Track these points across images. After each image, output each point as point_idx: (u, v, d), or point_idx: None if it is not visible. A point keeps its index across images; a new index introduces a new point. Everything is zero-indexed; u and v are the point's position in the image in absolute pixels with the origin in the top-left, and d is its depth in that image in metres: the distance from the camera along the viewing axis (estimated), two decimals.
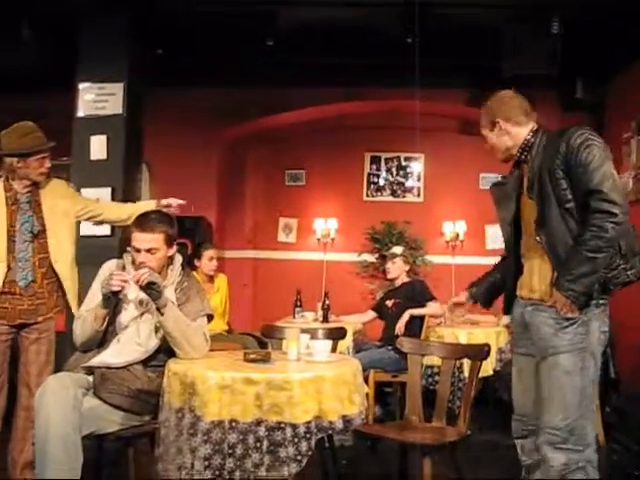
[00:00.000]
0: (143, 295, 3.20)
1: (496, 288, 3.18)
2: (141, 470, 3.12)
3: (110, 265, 3.43)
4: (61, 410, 2.86)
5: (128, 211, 4.01)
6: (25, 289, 3.81)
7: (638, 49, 5.90)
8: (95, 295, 3.30)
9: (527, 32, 5.78)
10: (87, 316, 3.24)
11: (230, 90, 7.32)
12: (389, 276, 5.95)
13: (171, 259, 3.37)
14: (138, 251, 3.23)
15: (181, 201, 3.99)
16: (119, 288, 3.10)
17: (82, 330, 3.25)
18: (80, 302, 3.81)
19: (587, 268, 2.65)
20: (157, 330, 3.22)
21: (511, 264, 3.04)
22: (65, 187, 4.06)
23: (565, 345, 2.73)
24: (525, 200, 2.91)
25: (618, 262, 2.74)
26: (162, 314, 3.12)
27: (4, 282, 3.78)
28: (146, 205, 4.02)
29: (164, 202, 3.98)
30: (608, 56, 6.41)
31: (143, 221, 3.27)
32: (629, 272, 2.77)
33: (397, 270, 5.86)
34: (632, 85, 6.38)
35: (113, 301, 3.20)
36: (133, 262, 3.31)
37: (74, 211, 3.98)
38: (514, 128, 2.93)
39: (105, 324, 3.23)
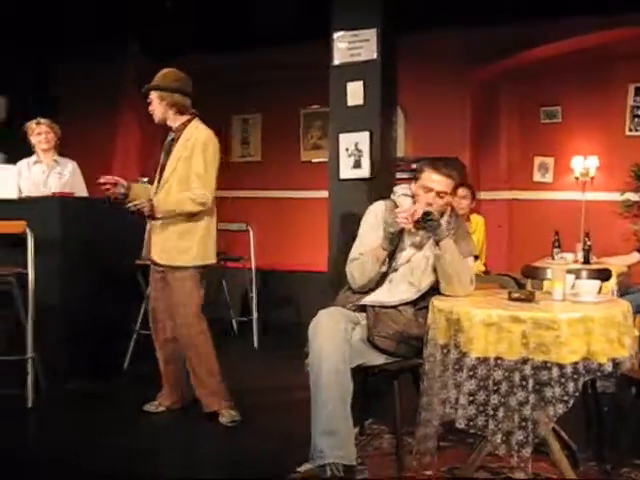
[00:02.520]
0: (417, 236, 3.30)
1: None
2: (405, 402, 3.23)
3: (380, 206, 3.52)
4: (332, 342, 3.04)
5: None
6: (152, 228, 4.12)
7: None
8: (367, 237, 3.42)
9: None
10: (365, 259, 3.35)
11: (481, 28, 7.14)
12: None
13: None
14: (428, 191, 3.32)
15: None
16: (405, 224, 3.20)
17: (361, 272, 3.36)
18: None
19: None
20: (431, 268, 3.30)
21: None
22: (203, 137, 4.08)
23: None
24: None
25: None
26: (441, 247, 3.20)
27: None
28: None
29: None
30: None
31: (442, 165, 3.36)
32: None
33: None
34: None
35: (396, 240, 3.32)
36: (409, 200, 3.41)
37: (193, 166, 4.02)
38: None
39: (385, 264, 3.35)
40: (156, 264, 4.16)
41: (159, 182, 4.14)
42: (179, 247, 4.05)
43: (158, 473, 3.47)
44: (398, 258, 3.37)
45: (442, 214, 3.36)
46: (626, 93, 8.00)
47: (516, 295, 3.01)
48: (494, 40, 7.30)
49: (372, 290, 3.37)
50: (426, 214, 3.17)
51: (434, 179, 3.32)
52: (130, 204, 4.00)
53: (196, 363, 4.10)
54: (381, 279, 3.38)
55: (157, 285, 4.22)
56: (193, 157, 4.02)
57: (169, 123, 4.19)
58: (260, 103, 8.65)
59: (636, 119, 7.99)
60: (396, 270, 3.37)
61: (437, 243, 3.22)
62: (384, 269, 3.35)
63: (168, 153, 4.14)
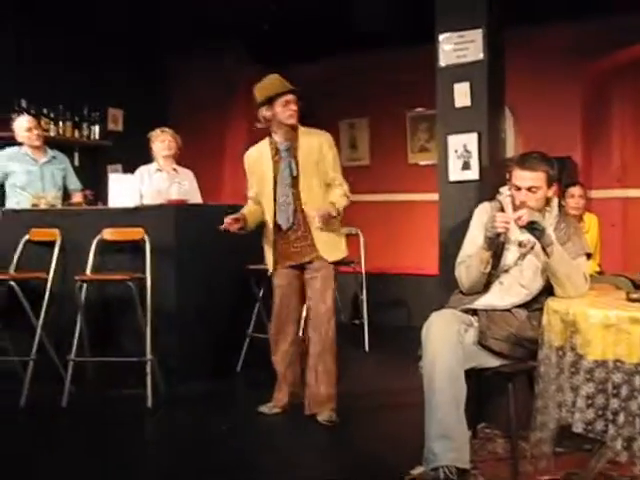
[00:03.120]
0: (523, 237, 3.23)
1: None
2: (519, 405, 3.18)
3: (485, 207, 3.51)
4: (446, 344, 3.03)
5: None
6: (288, 232, 4.22)
7: None
8: (474, 239, 3.41)
9: None
10: (470, 261, 3.35)
11: (592, 20, 6.92)
12: None
13: (549, 200, 3.36)
14: (518, 189, 3.27)
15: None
16: (503, 230, 3.17)
17: (467, 275, 3.37)
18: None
19: None
20: (541, 271, 3.24)
21: None
22: (326, 139, 4.31)
23: None
24: None
25: None
26: (548, 254, 3.13)
27: (276, 229, 4.24)
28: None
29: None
30: None
31: (525, 159, 3.31)
32: None
33: None
34: None
35: (497, 243, 3.28)
36: (511, 203, 3.32)
37: (324, 168, 4.24)
38: None
39: (490, 266, 3.32)
40: (300, 265, 4.29)
41: (293, 187, 4.24)
42: (336, 242, 4.32)
43: (268, 473, 3.55)
44: (505, 259, 3.34)
45: (542, 212, 3.29)
46: None
47: (635, 296, 2.91)
48: (606, 32, 7.05)
49: (483, 292, 3.35)
50: (531, 222, 3.11)
51: (521, 176, 3.26)
52: (320, 214, 4.10)
53: (321, 363, 4.23)
54: (491, 281, 3.35)
55: (287, 289, 4.35)
56: (326, 157, 4.28)
57: (279, 134, 4.30)
58: (366, 107, 8.68)
59: None
60: (507, 271, 3.33)
61: (544, 249, 3.15)
62: (489, 269, 3.32)
63: (291, 158, 4.26)
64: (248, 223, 4.31)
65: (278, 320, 4.39)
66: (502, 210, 3.32)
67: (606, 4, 6.64)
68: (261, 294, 5.41)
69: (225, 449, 3.85)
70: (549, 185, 3.29)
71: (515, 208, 3.23)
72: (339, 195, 4.26)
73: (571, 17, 6.89)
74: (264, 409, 4.39)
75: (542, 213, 3.31)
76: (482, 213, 3.48)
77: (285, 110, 4.23)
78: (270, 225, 4.32)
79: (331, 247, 4.27)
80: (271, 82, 4.27)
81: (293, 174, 4.24)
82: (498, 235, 3.22)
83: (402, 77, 7.95)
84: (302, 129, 4.34)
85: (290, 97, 4.25)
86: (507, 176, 3.43)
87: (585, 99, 7.72)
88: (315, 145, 4.27)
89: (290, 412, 4.34)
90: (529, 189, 3.24)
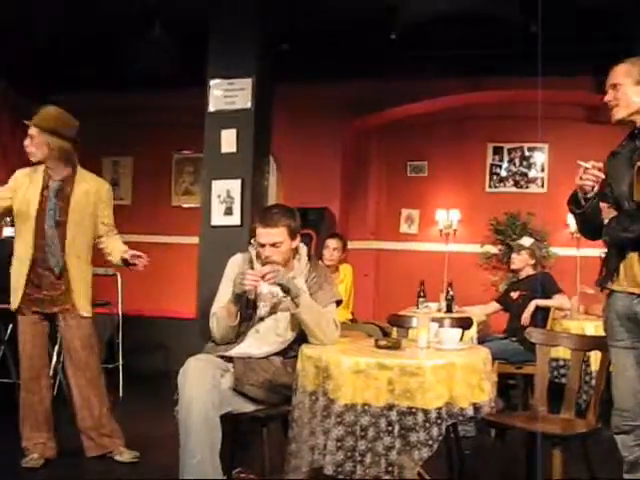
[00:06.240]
0: (275, 289, 3.30)
1: None
2: (274, 449, 3.22)
3: (237, 260, 3.53)
4: (201, 389, 3.00)
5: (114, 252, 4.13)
6: (41, 275, 3.97)
7: None
8: (224, 291, 3.41)
9: None
10: (220, 314, 3.37)
11: (354, 83, 7.38)
12: (512, 267, 5.88)
13: (296, 250, 3.45)
14: (263, 246, 3.32)
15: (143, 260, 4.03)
16: (251, 288, 3.23)
17: (218, 327, 3.38)
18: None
19: None
20: (294, 321, 3.32)
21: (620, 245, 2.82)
22: (105, 191, 4.19)
23: None
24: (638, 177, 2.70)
25: None
26: (296, 304, 3.22)
27: (31, 268, 3.96)
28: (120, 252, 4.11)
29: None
30: None
31: (266, 216, 3.34)
32: None
33: (521, 262, 5.76)
34: None
35: (244, 298, 3.33)
36: (258, 256, 3.41)
37: (99, 220, 4.13)
38: None
39: (238, 319, 3.35)
40: (49, 312, 4.03)
41: (58, 230, 3.97)
42: (90, 293, 4.11)
43: None
44: (259, 310, 3.40)
45: (290, 263, 3.40)
46: (485, 152, 8.48)
47: (383, 343, 3.09)
48: (365, 95, 7.57)
49: (240, 341, 3.37)
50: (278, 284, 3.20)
51: (264, 233, 3.31)
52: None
53: (99, 404, 4.11)
54: (247, 330, 3.39)
55: (38, 333, 4.05)
56: (99, 208, 4.11)
57: (53, 170, 4.02)
58: (132, 146, 8.54)
59: (494, 177, 8.47)
60: (262, 319, 3.39)
61: (293, 300, 3.24)
62: (239, 320, 3.35)
63: (57, 201, 3.99)
64: None
65: (28, 362, 4.05)
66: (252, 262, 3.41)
67: (365, 70, 7.12)
68: (7, 336, 5.06)
69: None
70: (293, 237, 3.36)
71: (263, 262, 3.31)
72: (124, 247, 4.12)
73: (335, 78, 7.28)
74: (29, 463, 3.98)
75: (290, 263, 3.41)
76: (234, 266, 3.49)
77: None
78: (26, 260, 3.95)
79: (88, 300, 4.07)
80: None
81: (56, 218, 3.96)
82: (245, 292, 3.28)
83: (170, 119, 7.93)
84: (83, 172, 4.11)
85: (29, 131, 3.97)
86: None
87: (345, 155, 8.17)
88: (92, 194, 4.07)
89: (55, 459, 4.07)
90: (273, 244, 3.30)
